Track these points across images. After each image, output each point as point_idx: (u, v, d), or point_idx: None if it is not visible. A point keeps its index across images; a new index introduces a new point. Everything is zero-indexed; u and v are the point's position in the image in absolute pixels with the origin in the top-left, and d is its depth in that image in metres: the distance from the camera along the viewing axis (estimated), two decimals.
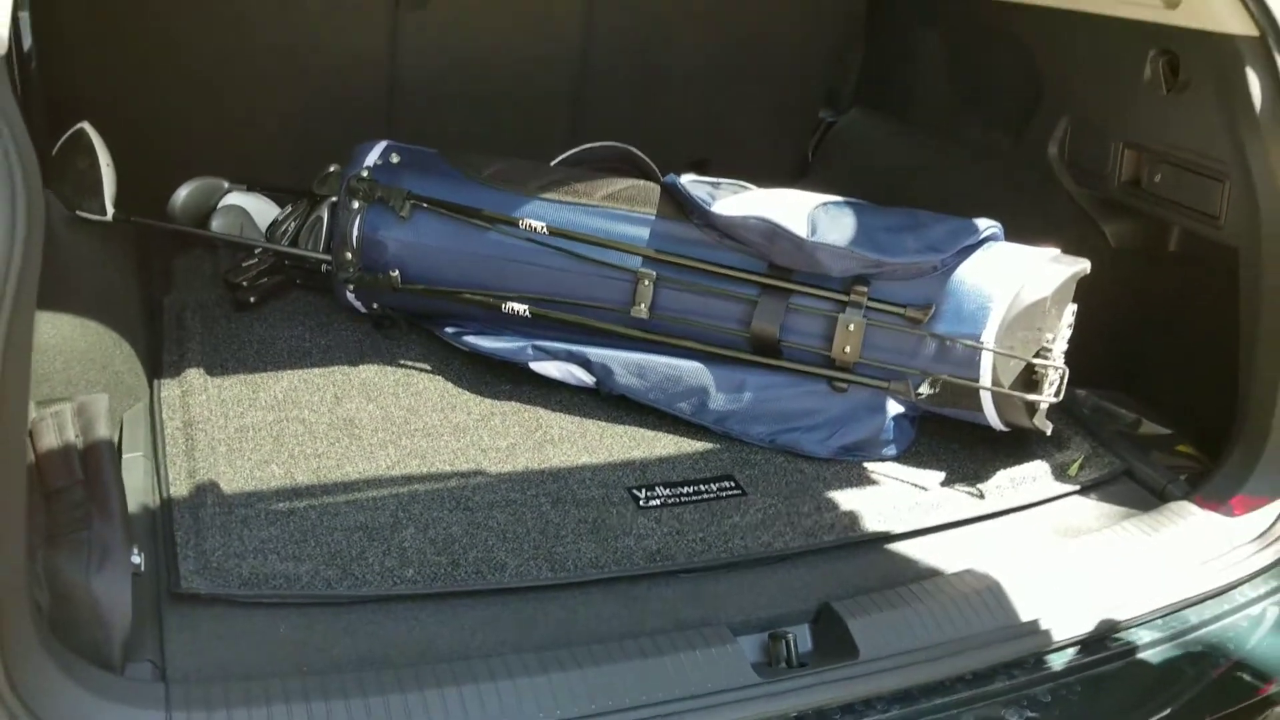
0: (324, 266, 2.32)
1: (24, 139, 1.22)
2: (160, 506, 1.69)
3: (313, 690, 1.34)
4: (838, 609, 1.53)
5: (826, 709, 1.41)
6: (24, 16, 2.12)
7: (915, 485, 1.87)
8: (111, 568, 1.39)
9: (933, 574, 1.65)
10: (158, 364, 2.06)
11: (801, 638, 1.53)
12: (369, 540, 1.65)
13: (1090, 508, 1.87)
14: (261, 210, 2.55)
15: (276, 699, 1.33)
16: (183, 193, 2.52)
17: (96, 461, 1.57)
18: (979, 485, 1.87)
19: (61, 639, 1.31)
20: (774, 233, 1.93)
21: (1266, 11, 1.77)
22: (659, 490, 1.82)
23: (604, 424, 2.00)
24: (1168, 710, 1.53)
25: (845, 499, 1.82)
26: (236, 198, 2.54)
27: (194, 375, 2.03)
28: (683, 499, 1.80)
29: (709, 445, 1.96)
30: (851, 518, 1.77)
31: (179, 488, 1.73)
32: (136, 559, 1.43)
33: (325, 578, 1.57)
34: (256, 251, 2.37)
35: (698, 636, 1.46)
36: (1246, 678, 1.60)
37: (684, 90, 2.87)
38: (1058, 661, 1.54)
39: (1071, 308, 1.91)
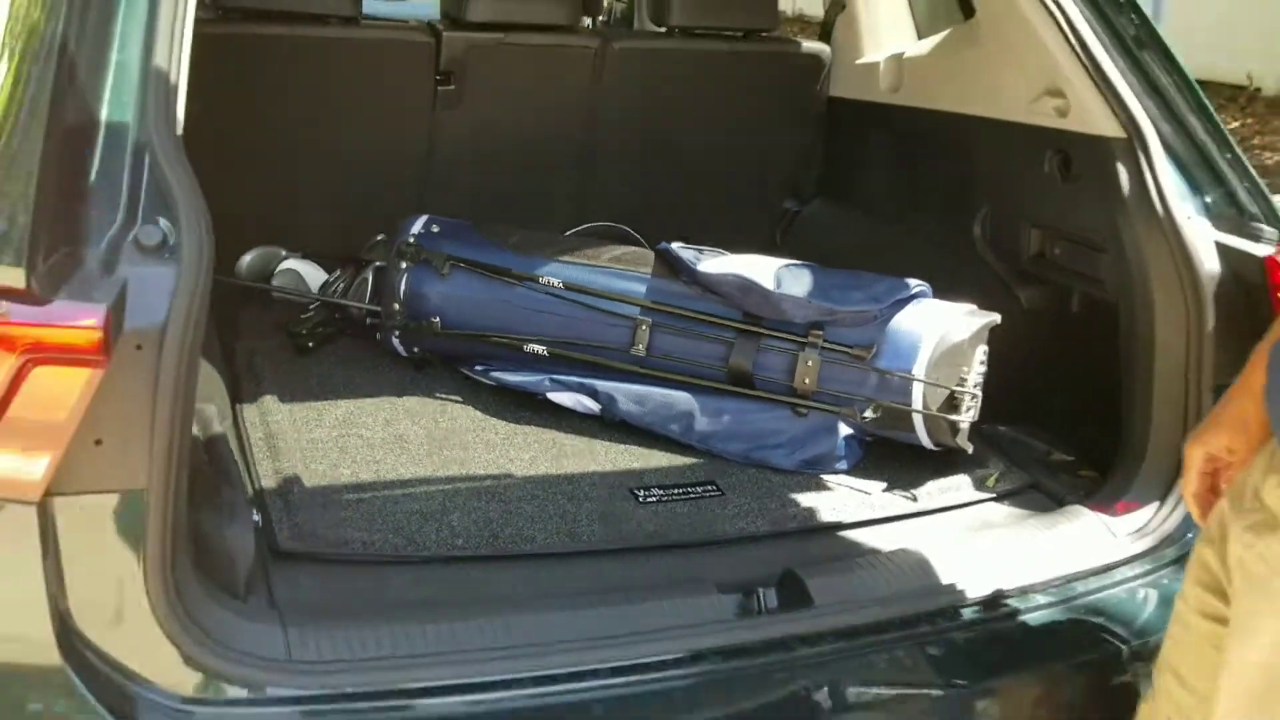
0: (368, 319, 2.76)
1: (204, 210, 1.64)
2: (254, 494, 2.10)
3: (395, 616, 1.74)
4: (798, 572, 1.94)
5: (789, 638, 1.82)
6: None
7: (862, 491, 2.30)
8: (239, 523, 1.80)
9: (873, 551, 2.07)
10: (237, 392, 2.47)
11: (769, 596, 1.94)
12: (424, 520, 2.06)
13: (1002, 510, 2.30)
14: (312, 275, 3.00)
15: (365, 622, 1.72)
16: (247, 259, 2.96)
17: (217, 449, 1.99)
18: (913, 491, 2.30)
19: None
20: (748, 287, 2.39)
21: (1132, 119, 2.27)
22: (655, 491, 2.24)
23: (608, 443, 2.42)
24: (1053, 654, 1.95)
25: (805, 499, 2.25)
26: (292, 263, 2.99)
27: (268, 401, 2.44)
28: (674, 497, 2.23)
29: (695, 460, 2.39)
30: (810, 512, 2.20)
31: (268, 481, 2.14)
32: (256, 517, 1.84)
33: (393, 544, 1.98)
34: (312, 306, 2.81)
35: (690, 588, 1.87)
36: (1118, 637, 2.02)
37: (671, 182, 3.35)
38: (969, 614, 1.95)
39: (983, 348, 2.37)
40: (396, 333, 2.67)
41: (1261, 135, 10.74)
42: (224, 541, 1.77)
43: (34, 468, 1.46)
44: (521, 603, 1.81)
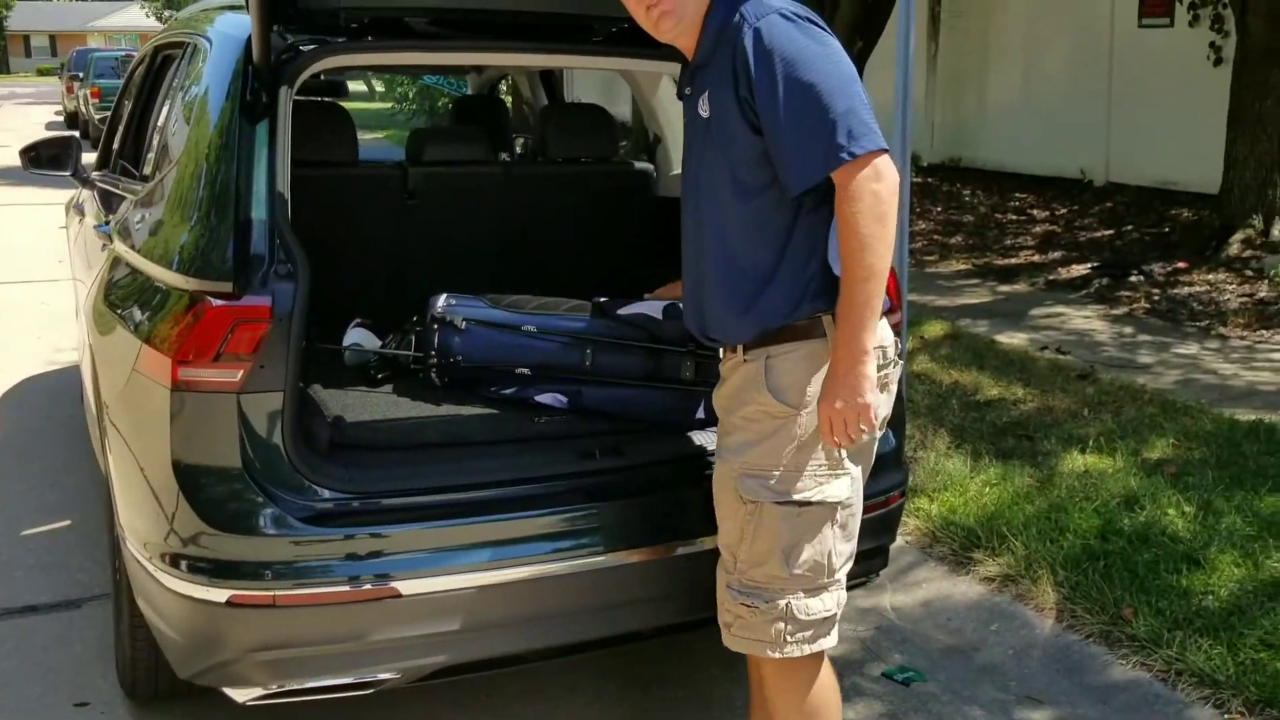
0: (412, 364, 4.14)
1: (305, 259, 3.10)
2: (329, 420, 3.48)
3: (396, 465, 3.17)
4: (620, 443, 3.43)
5: (600, 470, 3.33)
6: None
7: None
8: (320, 424, 3.22)
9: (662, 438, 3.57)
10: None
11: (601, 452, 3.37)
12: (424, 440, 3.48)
13: None
14: (368, 339, 4.38)
15: (380, 468, 3.16)
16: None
17: (311, 399, 3.41)
18: None
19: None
20: (647, 319, 3.79)
21: None
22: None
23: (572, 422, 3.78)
24: None
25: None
26: (356, 331, 4.40)
27: (341, 397, 3.83)
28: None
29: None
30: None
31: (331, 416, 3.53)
32: (329, 418, 3.25)
33: (397, 443, 3.43)
34: (376, 356, 4.22)
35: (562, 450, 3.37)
36: None
37: (558, 259, 4.89)
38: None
39: None
40: (434, 370, 4.06)
41: (1081, 218, 12.97)
42: (314, 431, 3.21)
43: (235, 376, 2.91)
44: (470, 454, 3.32)
